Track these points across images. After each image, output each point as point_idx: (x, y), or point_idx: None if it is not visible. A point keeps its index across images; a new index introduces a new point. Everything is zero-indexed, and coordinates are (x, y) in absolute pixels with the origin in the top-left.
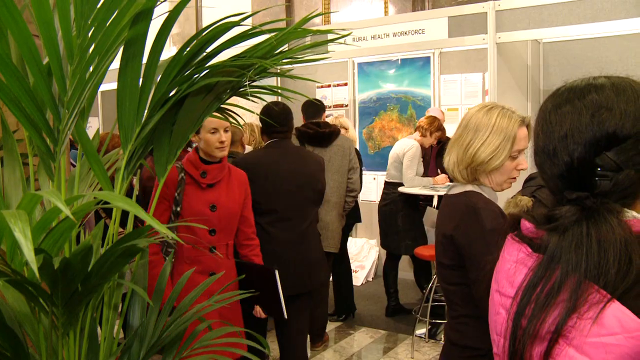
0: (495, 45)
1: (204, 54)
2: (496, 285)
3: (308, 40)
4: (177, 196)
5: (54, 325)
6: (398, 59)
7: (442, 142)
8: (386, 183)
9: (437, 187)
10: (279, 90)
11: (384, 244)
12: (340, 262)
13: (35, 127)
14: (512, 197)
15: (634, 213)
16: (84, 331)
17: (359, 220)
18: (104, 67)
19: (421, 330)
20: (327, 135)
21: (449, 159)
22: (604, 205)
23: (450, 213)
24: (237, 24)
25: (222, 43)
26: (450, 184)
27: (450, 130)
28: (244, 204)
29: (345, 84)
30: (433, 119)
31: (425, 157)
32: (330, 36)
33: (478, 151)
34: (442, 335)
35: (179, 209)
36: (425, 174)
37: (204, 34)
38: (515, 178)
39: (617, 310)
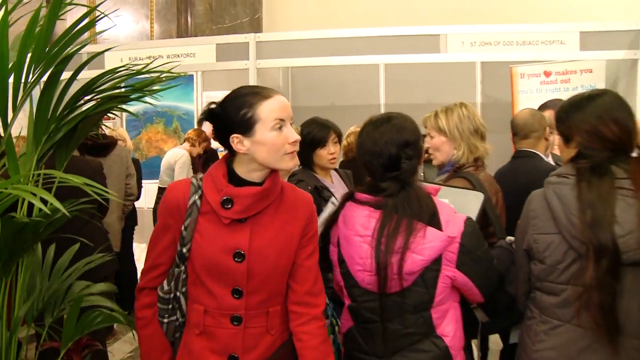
0: (255, 69)
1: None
2: (352, 232)
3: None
4: (184, 231)
5: None
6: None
7: (208, 152)
8: (159, 188)
9: None
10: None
11: None
12: (126, 261)
13: None
14: None
15: (418, 182)
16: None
17: (137, 223)
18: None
19: None
20: (105, 145)
21: None
22: (410, 179)
23: None
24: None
25: (117, 76)
26: None
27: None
28: (300, 247)
29: None
30: (200, 131)
31: (194, 165)
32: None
33: None
34: None
35: (185, 250)
36: None
37: (114, 74)
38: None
39: (430, 230)
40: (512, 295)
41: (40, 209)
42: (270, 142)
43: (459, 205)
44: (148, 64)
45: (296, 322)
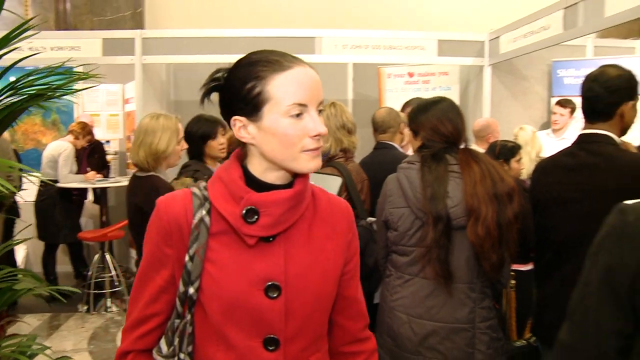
0: (141, 65)
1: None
2: None
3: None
4: (189, 262)
5: None
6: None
7: (93, 144)
8: (42, 181)
9: (91, 181)
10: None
11: (42, 236)
12: (7, 253)
13: None
14: (176, 179)
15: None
16: None
17: (19, 215)
18: None
19: (85, 307)
20: None
21: (139, 155)
22: None
23: (140, 189)
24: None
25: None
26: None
27: (98, 134)
28: (351, 277)
29: None
30: (84, 125)
31: (78, 157)
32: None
33: (158, 145)
34: (104, 307)
35: (192, 290)
36: (78, 172)
37: (34, 76)
38: (180, 157)
39: None
40: (370, 266)
41: None
42: (281, 133)
43: (320, 187)
44: (64, 63)
45: None
